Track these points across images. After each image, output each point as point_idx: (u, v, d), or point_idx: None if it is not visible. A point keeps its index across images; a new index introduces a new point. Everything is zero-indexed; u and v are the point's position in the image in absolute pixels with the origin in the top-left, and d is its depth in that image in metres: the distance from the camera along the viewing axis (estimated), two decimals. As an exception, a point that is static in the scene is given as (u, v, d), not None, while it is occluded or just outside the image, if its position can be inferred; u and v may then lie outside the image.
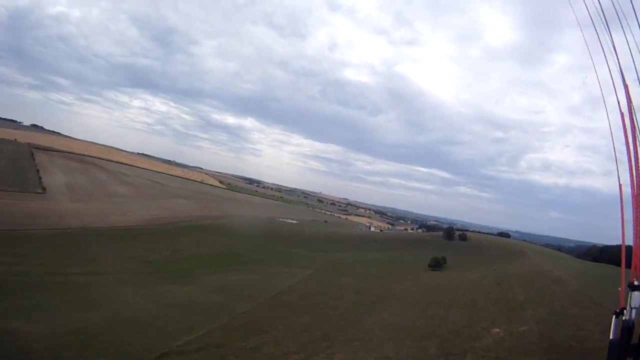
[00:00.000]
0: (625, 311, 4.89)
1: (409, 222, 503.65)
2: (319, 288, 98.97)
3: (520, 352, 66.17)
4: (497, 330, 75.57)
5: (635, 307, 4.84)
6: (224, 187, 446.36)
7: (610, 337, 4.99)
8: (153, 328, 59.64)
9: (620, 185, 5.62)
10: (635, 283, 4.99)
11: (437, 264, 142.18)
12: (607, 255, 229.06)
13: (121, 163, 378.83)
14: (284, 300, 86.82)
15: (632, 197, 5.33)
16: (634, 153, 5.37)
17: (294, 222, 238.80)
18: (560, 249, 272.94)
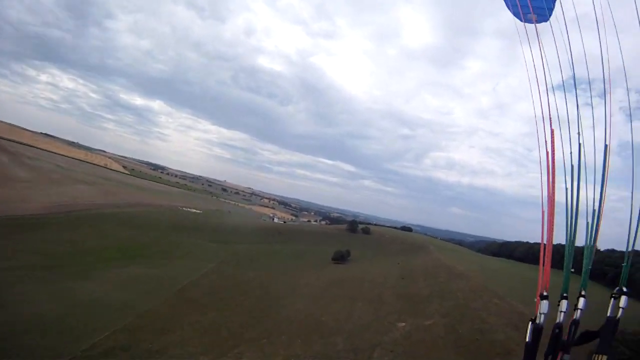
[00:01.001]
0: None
1: (313, 213, 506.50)
2: (224, 282, 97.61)
3: (428, 345, 67.78)
4: (404, 324, 77.18)
5: (543, 313, 5.38)
6: (128, 172, 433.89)
7: (527, 340, 5.38)
8: (57, 331, 56.42)
9: (542, 207, 5.74)
10: (545, 293, 5.56)
11: (341, 257, 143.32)
12: (506, 250, 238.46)
13: (24, 144, 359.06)
14: (189, 296, 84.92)
15: (542, 218, 5.65)
16: (551, 165, 5.71)
17: (198, 212, 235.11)
18: (461, 243, 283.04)
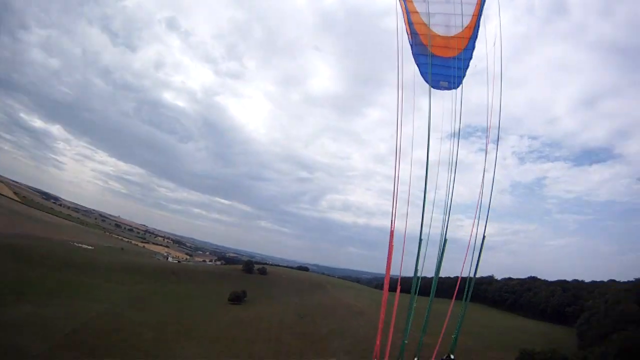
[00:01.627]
0: None
1: (208, 253, 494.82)
2: (118, 325, 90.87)
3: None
4: (307, 363, 75.55)
5: None
6: (19, 200, 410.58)
7: None
8: None
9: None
10: None
11: (237, 298, 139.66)
12: (404, 285, 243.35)
13: None
14: (80, 339, 78.23)
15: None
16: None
17: (89, 247, 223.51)
18: (358, 280, 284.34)
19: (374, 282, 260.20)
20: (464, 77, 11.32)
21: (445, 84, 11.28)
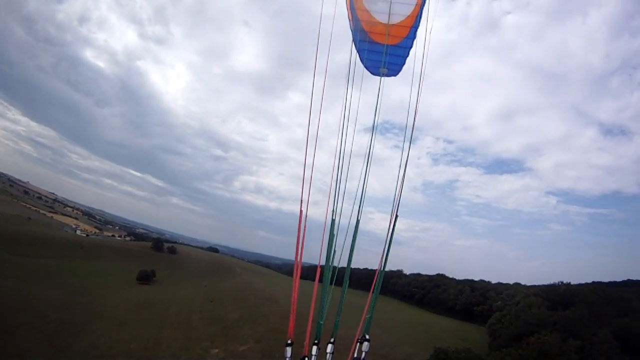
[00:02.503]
0: None
1: (118, 227, 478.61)
2: (20, 304, 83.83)
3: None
4: (217, 350, 73.01)
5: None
6: None
7: None
8: None
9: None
10: (289, 341, 5.55)
11: (146, 278, 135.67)
12: (312, 273, 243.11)
13: None
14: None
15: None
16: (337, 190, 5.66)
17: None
18: (268, 265, 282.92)
19: (284, 269, 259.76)
20: (403, 65, 11.43)
21: (385, 70, 11.18)
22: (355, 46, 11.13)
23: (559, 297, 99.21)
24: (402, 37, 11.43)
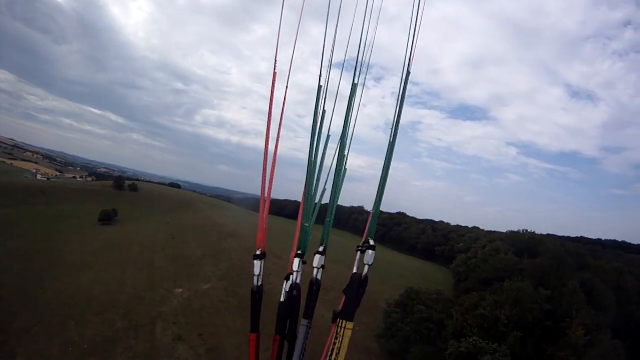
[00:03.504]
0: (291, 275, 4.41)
1: (79, 168, 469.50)
2: None
3: (210, 312, 63.02)
4: (181, 290, 71.78)
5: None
6: None
7: (281, 299, 4.34)
8: None
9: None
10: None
11: (107, 218, 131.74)
12: (276, 207, 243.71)
13: None
14: None
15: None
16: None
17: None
18: (230, 200, 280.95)
19: (245, 202, 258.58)
20: None
21: None
22: None
23: (523, 244, 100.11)
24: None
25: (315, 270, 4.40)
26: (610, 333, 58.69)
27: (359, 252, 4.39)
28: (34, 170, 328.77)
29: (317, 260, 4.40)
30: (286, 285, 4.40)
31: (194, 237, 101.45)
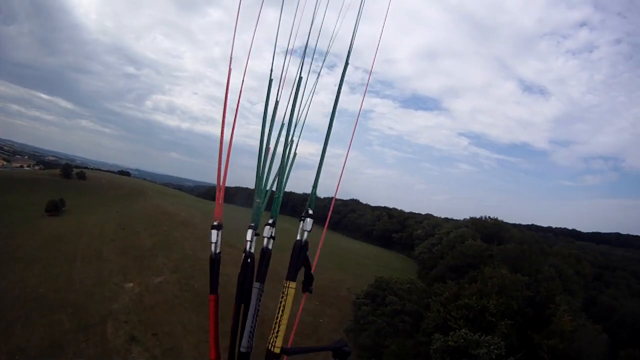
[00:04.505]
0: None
1: (27, 157, 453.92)
2: None
3: (164, 308, 59.53)
4: (132, 284, 68.01)
5: (214, 242, 4.25)
6: None
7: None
8: None
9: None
10: (215, 223, 4.31)
11: (55, 208, 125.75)
12: (227, 195, 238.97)
13: None
14: None
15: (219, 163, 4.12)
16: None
17: None
18: (180, 188, 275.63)
19: (196, 191, 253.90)
20: None
21: None
22: None
23: (488, 230, 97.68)
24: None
25: (265, 239, 4.39)
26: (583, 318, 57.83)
27: (301, 222, 4.37)
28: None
29: (266, 230, 4.39)
30: (213, 236, 4.38)
31: (145, 226, 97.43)
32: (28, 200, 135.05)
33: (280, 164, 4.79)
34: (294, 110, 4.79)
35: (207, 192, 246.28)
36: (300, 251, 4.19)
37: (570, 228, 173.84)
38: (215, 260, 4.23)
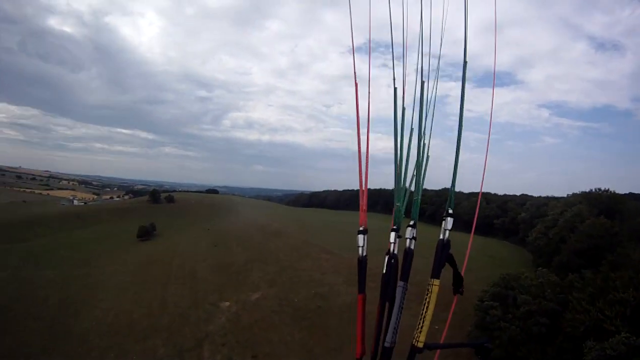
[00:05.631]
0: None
1: (116, 189, 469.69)
2: (16, 293, 74.12)
3: (263, 327, 54.81)
4: (228, 303, 63.54)
5: (362, 245, 4.69)
6: None
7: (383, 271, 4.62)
8: None
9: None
10: (361, 229, 4.68)
11: (146, 233, 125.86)
12: (316, 200, 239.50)
13: None
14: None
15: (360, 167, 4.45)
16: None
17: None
18: (270, 198, 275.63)
19: (285, 199, 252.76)
20: None
21: None
22: None
23: (604, 205, 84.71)
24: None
25: (407, 240, 4.68)
26: None
27: (442, 221, 4.56)
28: (71, 197, 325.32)
29: (408, 232, 4.65)
30: (386, 258, 4.77)
31: (237, 241, 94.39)
32: (119, 229, 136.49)
33: (416, 168, 4.96)
34: (421, 114, 4.90)
35: (297, 200, 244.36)
36: (443, 250, 4.34)
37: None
38: (362, 262, 4.45)
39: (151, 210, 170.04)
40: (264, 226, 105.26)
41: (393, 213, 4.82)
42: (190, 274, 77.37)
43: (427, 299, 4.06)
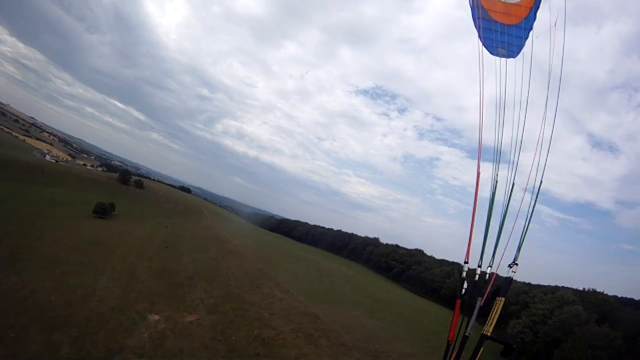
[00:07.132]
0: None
1: (93, 157, 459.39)
2: None
3: (184, 354, 48.85)
4: (157, 317, 55.10)
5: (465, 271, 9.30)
6: None
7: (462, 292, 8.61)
8: None
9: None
10: (466, 260, 8.87)
11: (103, 211, 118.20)
12: (285, 227, 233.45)
13: None
14: None
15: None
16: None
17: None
18: (238, 212, 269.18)
19: (253, 218, 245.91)
20: (523, 46, 11.61)
21: (504, 51, 11.39)
22: (474, 23, 11.31)
23: (598, 308, 78.35)
24: (521, 17, 11.57)
25: (477, 275, 8.37)
26: None
27: (509, 267, 8.17)
28: (46, 151, 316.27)
29: (479, 270, 8.84)
30: (464, 283, 8.54)
31: (190, 250, 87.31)
32: (78, 198, 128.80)
33: (499, 229, 9.55)
34: (496, 188, 9.66)
35: (264, 221, 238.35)
36: (509, 283, 8.52)
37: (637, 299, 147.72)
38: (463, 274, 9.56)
39: (117, 189, 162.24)
40: (223, 241, 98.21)
41: (468, 248, 9.23)
42: (129, 269, 70.09)
43: (493, 313, 6.99)
